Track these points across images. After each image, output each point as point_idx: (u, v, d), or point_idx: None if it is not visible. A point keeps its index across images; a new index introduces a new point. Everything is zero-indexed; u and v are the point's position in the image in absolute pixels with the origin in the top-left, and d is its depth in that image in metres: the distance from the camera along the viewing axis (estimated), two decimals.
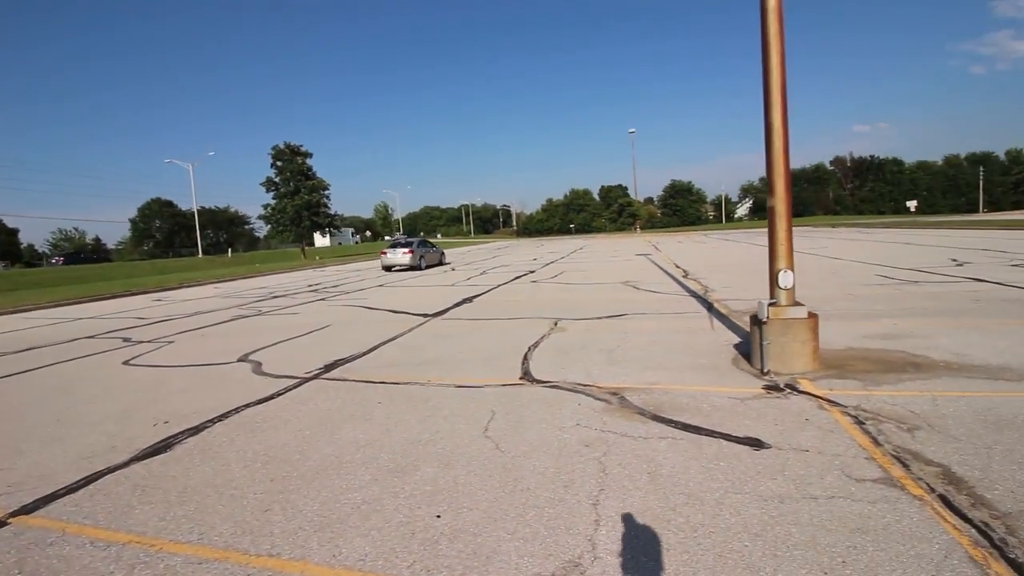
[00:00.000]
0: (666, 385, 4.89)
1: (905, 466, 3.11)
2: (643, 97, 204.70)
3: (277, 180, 41.20)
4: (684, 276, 14.35)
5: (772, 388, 4.62)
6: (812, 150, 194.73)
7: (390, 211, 57.14)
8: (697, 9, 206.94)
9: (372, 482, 3.31)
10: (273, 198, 41.38)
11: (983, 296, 8.47)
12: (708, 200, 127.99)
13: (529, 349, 6.62)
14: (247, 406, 5.01)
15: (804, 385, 4.63)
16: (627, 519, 2.72)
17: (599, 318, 8.56)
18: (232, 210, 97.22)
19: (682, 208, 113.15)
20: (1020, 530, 2.46)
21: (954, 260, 14.18)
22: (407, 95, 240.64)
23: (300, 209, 40.19)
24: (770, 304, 5.08)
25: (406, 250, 23.04)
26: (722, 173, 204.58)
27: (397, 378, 5.64)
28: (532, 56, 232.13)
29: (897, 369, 4.96)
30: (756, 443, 3.54)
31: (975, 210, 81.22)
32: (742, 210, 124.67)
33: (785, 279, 5.03)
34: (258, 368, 6.51)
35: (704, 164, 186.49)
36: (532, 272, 18.57)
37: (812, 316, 5.02)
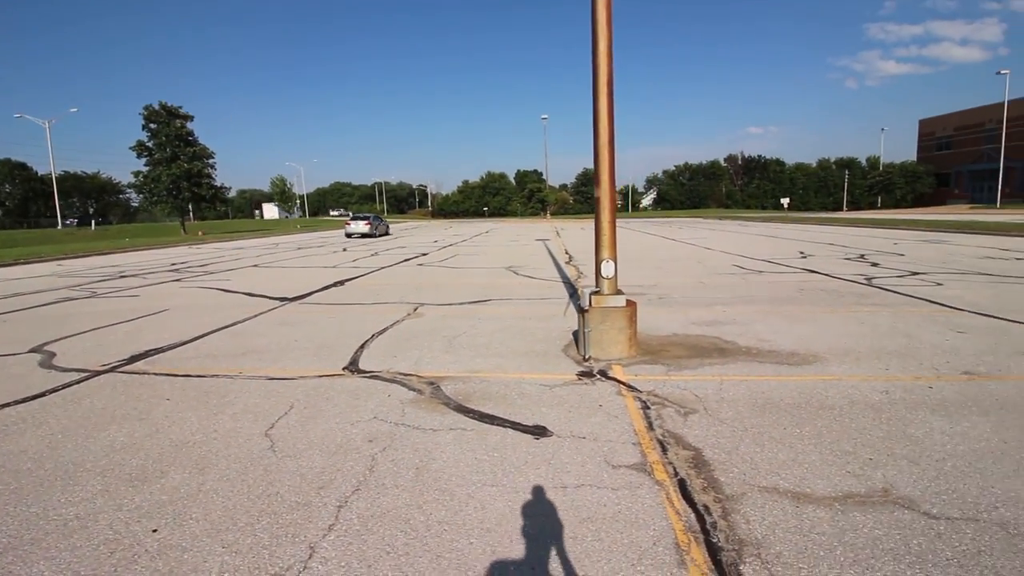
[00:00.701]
0: (489, 373, 4.84)
1: (664, 451, 3.25)
2: (563, 84, 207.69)
3: (151, 145, 36.78)
4: (567, 262, 14.69)
5: (585, 374, 4.71)
6: (712, 147, 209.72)
7: (288, 185, 52.99)
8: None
9: (100, 493, 2.89)
10: (146, 165, 36.94)
11: (809, 286, 9.41)
12: (617, 189, 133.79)
13: (372, 337, 6.32)
14: (5, 406, 4.29)
15: (615, 371, 4.78)
16: (365, 522, 2.56)
17: (463, 303, 8.44)
18: (104, 176, 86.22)
19: (593, 195, 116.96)
20: (734, 512, 2.61)
21: (801, 252, 15.75)
22: (321, 68, 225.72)
23: (178, 179, 36.23)
24: (593, 293, 5.19)
25: (365, 222, 32.18)
26: (631, 164, 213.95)
27: (206, 370, 5.12)
28: (454, 36, 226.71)
29: (704, 354, 5.28)
30: (541, 431, 3.55)
31: (840, 208, 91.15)
32: (647, 200, 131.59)
33: (607, 268, 5.14)
34: (48, 360, 5.64)
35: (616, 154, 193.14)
36: (425, 255, 18.15)
37: (631, 304, 5.19)
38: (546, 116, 68.14)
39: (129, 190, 56.16)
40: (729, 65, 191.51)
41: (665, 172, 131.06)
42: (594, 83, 4.97)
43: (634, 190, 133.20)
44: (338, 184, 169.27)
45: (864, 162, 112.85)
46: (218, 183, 39.18)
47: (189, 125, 38.16)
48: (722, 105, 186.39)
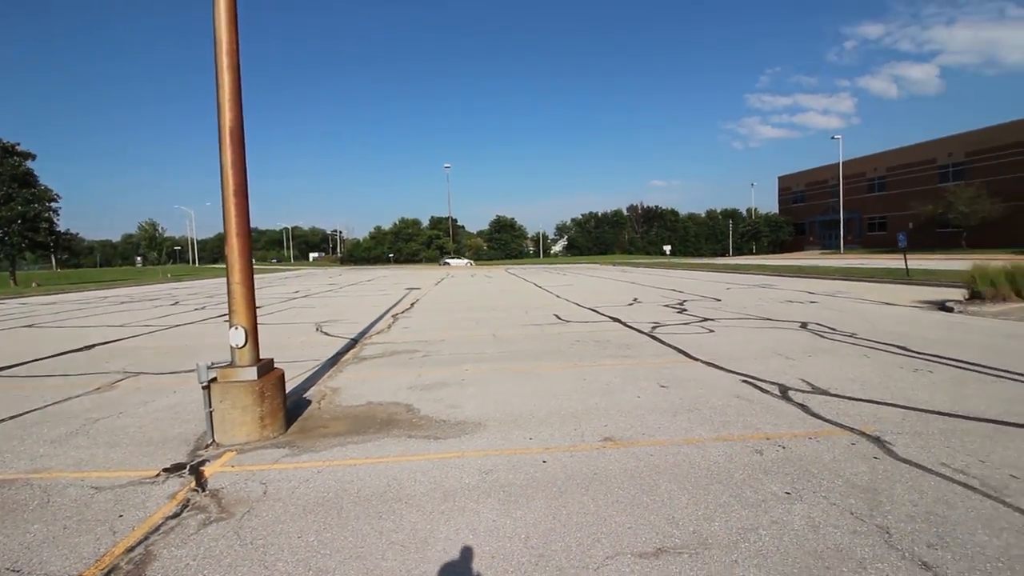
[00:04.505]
0: (56, 471, 3.91)
1: None
2: (480, 130, 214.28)
3: None
4: (401, 312, 14.04)
5: (175, 468, 3.93)
6: (620, 198, 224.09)
7: (159, 230, 47.72)
8: (516, 58, 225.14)
9: None
10: None
11: (590, 338, 9.35)
12: (529, 236, 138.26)
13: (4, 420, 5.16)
14: None
15: (218, 461, 4.04)
16: None
17: (192, 371, 7.41)
18: None
19: (506, 242, 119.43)
20: None
21: (636, 299, 16.21)
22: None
23: (8, 222, 31.88)
24: (222, 366, 4.50)
25: (453, 262, 60.17)
26: (544, 213, 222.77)
27: None
28: (377, 84, 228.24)
29: (365, 429, 4.70)
30: None
31: (727, 253, 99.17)
32: (558, 247, 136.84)
33: (235, 337, 4.49)
34: None
35: (529, 203, 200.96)
36: (259, 308, 16.71)
37: (269, 375, 4.54)
38: (449, 165, 68.94)
39: None
40: (638, 123, 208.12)
41: (574, 220, 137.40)
42: (219, 132, 4.46)
43: (544, 237, 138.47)
44: None
45: (745, 212, 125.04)
46: (60, 228, 34.98)
47: (29, 164, 34.21)
48: (630, 159, 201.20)
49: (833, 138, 54.19)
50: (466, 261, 70.36)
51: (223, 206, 4.50)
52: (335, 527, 3.03)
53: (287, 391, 6.03)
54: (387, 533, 2.94)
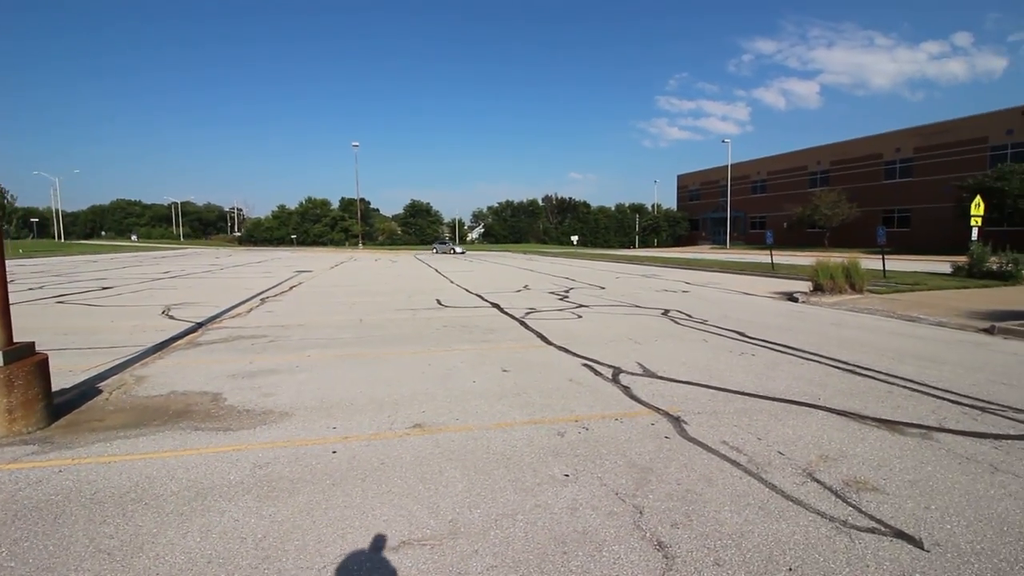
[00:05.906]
0: None
1: None
2: (396, 114, 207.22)
3: None
4: (273, 296, 13.07)
5: None
6: (540, 188, 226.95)
7: (9, 199, 39.93)
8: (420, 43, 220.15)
9: None
10: None
11: (460, 323, 9.22)
12: (445, 222, 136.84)
13: None
14: None
15: None
16: None
17: None
18: None
19: (421, 228, 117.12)
20: None
21: (526, 285, 16.36)
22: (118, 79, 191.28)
23: None
24: None
25: (439, 246, 56.46)
26: (462, 200, 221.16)
27: None
28: (287, 63, 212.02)
29: (147, 423, 4.17)
30: None
31: (633, 245, 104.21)
32: (474, 234, 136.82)
33: None
34: None
35: (447, 189, 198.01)
36: (110, 288, 14.90)
37: (21, 362, 3.88)
38: (357, 143, 65.32)
39: None
40: (557, 116, 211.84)
41: (490, 208, 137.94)
42: None
43: (461, 224, 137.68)
44: (121, 202, 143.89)
45: (650, 207, 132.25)
46: None
47: None
48: (549, 152, 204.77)
49: (724, 142, 59.02)
50: (451, 246, 57.98)
51: None
52: (41, 535, 2.58)
53: (84, 379, 5.32)
54: (100, 540, 2.55)
